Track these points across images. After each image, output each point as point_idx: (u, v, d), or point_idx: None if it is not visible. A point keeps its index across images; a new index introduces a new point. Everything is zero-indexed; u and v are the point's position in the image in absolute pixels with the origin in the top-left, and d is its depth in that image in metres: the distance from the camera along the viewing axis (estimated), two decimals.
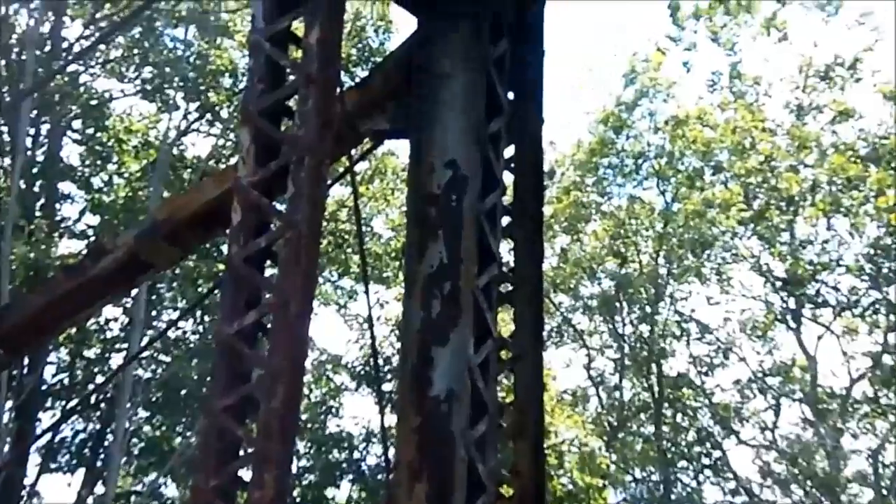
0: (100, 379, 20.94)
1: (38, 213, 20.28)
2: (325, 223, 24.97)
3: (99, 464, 20.59)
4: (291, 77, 4.83)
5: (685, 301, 26.52)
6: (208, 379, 5.04)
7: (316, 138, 4.58)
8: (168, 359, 21.17)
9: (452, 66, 5.31)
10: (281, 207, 4.64)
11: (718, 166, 26.08)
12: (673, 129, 26.45)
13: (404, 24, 22.55)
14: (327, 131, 4.67)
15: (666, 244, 26.34)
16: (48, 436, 20.37)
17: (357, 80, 21.12)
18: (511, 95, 5.91)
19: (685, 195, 26.34)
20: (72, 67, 20.15)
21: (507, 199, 5.92)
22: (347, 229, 23.86)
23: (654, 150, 27.07)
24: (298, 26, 5.12)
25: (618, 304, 26.68)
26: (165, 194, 20.31)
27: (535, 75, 6.05)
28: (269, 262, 4.71)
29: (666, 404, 26.12)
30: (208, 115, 22.07)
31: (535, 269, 5.81)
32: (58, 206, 21.21)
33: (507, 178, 5.81)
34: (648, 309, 26.24)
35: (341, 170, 7.15)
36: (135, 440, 21.35)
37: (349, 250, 24.12)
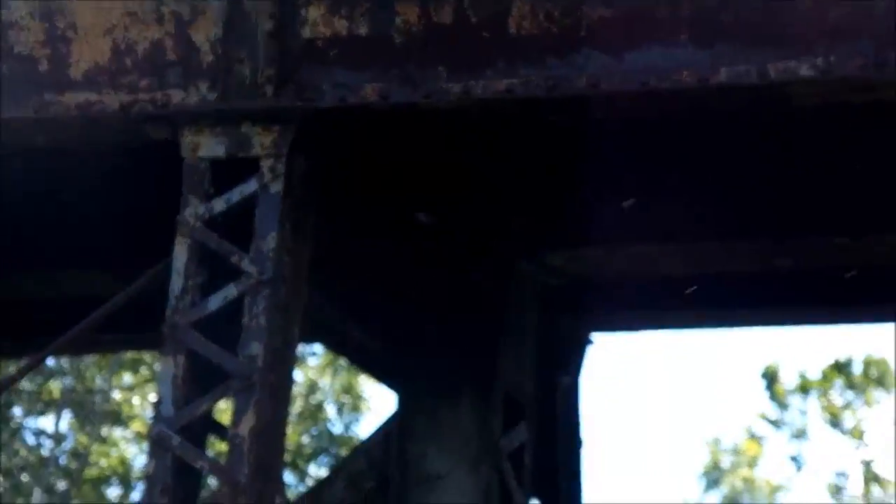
0: None
1: None
2: None
3: None
4: (210, 482, 4.89)
5: None
6: None
7: None
8: None
9: (448, 462, 5.40)
10: None
11: None
12: None
13: (381, 402, 23.02)
14: None
15: None
16: None
17: (309, 482, 21.16)
18: (536, 503, 5.97)
19: None
20: None
21: None
22: None
23: None
24: (223, 408, 5.27)
25: None
26: None
27: (570, 473, 6.14)
28: None
29: None
30: None
31: None
32: None
33: None
34: None
35: None
36: None
37: None
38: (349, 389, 22.81)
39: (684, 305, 6.32)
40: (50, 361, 19.60)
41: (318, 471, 21.81)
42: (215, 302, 4.78)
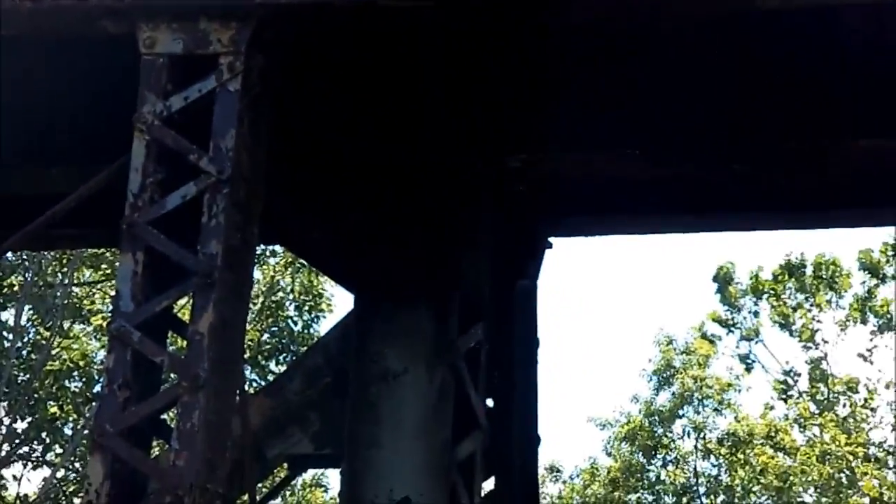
0: None
1: None
2: None
3: None
4: (171, 377, 4.89)
5: None
6: None
7: (202, 471, 4.57)
8: None
9: (405, 361, 5.42)
10: None
11: None
12: (731, 453, 26.55)
13: (341, 301, 23.12)
14: (219, 460, 4.68)
15: None
16: None
17: (269, 378, 21.32)
18: (491, 402, 6.00)
19: None
20: None
21: None
22: None
23: (704, 482, 27.05)
24: (184, 305, 5.25)
25: None
26: None
27: (526, 372, 6.17)
28: None
29: None
30: (44, 436, 21.99)
31: None
32: None
33: None
34: None
35: None
36: None
37: None
38: (309, 289, 22.86)
39: (641, 209, 6.32)
40: (10, 256, 19.52)
41: (278, 368, 21.90)
42: (174, 200, 4.74)
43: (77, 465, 21.77)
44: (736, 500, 26.49)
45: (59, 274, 21.64)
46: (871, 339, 26.63)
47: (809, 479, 25.55)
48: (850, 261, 27.36)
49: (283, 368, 21.22)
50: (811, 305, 26.91)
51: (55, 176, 5.99)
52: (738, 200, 6.18)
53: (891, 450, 25.90)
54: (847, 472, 25.20)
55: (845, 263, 26.84)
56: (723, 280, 27.27)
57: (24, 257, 20.76)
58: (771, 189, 6.08)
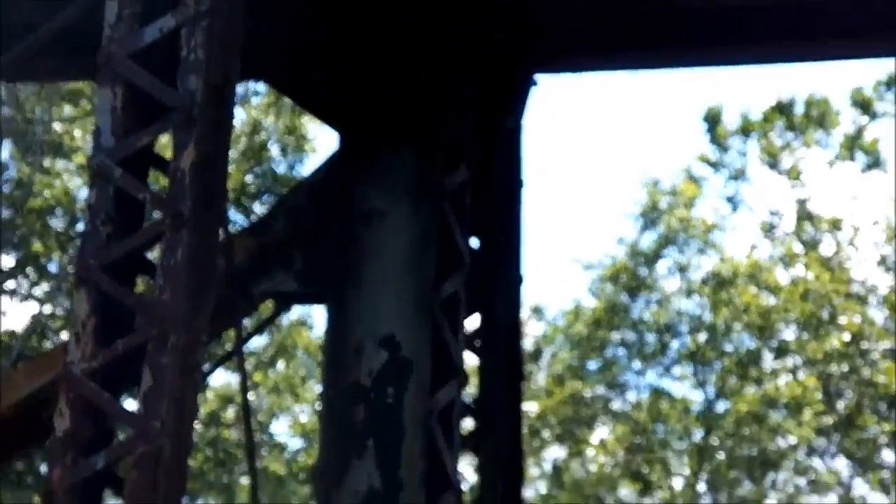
0: None
1: None
2: (201, 428, 24.62)
3: None
4: (154, 215, 4.89)
5: None
6: None
7: (187, 306, 4.60)
8: None
9: (388, 200, 5.43)
10: (132, 406, 4.62)
11: (783, 347, 26.29)
12: (714, 293, 26.79)
13: (325, 142, 23.07)
14: (204, 295, 4.70)
15: (709, 462, 26.27)
16: None
17: (253, 219, 21.36)
18: (475, 242, 6.03)
19: (735, 389, 26.47)
20: None
21: (471, 391, 5.92)
22: (234, 438, 23.59)
23: (687, 321, 27.37)
24: (164, 143, 5.22)
25: None
26: None
27: (510, 213, 6.19)
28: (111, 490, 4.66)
29: None
30: (29, 271, 22.11)
31: (514, 499, 5.78)
32: None
33: (471, 360, 5.86)
34: None
35: (227, 348, 7.14)
36: None
37: (236, 469, 23.77)
38: (293, 130, 22.76)
39: (629, 46, 6.26)
40: None
41: (262, 209, 21.94)
42: (151, 33, 4.67)
43: (63, 302, 21.95)
44: (717, 339, 26.82)
45: (39, 109, 21.50)
46: (861, 176, 26.74)
47: (791, 316, 25.82)
48: (842, 103, 27.32)
49: (266, 209, 21.25)
50: (800, 144, 26.93)
51: (30, 5, 5.89)
52: (725, 35, 6.12)
53: (872, 287, 26.19)
54: (829, 309, 25.49)
55: (836, 105, 26.79)
56: (712, 120, 27.21)
57: (2, 91, 20.59)
58: (760, 21, 6.01)
